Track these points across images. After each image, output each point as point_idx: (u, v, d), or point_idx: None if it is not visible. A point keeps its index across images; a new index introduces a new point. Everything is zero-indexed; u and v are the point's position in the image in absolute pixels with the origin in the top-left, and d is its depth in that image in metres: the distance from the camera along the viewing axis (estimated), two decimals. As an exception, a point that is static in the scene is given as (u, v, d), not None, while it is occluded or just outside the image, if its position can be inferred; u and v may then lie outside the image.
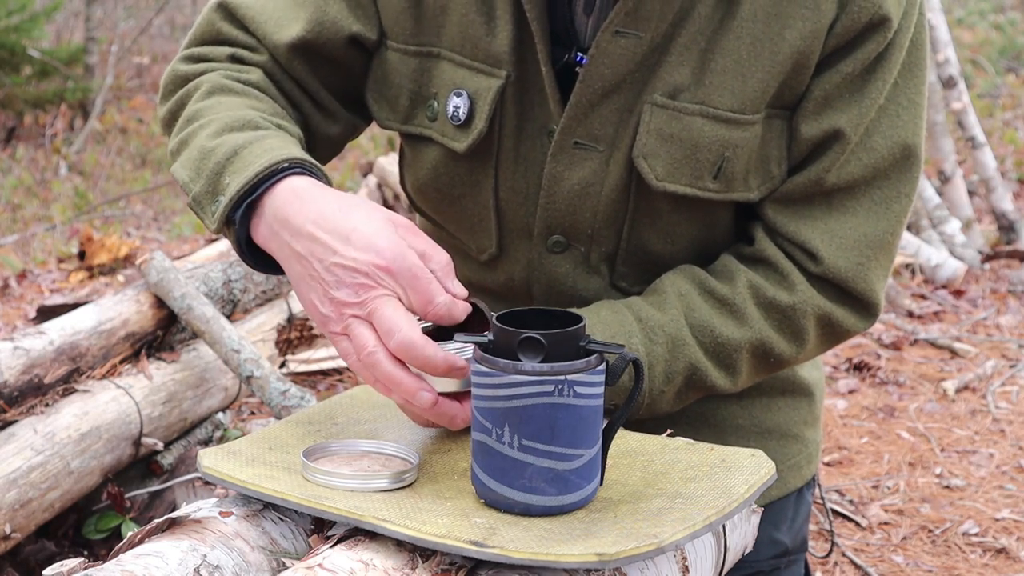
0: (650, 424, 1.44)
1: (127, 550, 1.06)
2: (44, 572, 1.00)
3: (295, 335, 3.04)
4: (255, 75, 1.47)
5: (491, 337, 1.13)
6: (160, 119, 1.51)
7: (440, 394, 1.22)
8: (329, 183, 1.29)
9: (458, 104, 1.45)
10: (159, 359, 2.50)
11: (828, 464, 3.12)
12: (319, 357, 3.36)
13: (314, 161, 1.29)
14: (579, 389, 1.10)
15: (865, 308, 1.47)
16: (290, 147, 1.30)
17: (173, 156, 1.41)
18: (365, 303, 1.17)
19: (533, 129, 1.45)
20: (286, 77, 1.50)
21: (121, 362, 2.43)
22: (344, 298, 1.18)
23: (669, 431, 1.38)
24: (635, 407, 1.17)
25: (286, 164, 1.26)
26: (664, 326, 1.40)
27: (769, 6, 1.37)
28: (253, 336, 2.86)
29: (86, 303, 2.49)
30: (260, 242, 1.27)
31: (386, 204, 5.20)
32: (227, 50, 1.50)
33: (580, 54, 1.41)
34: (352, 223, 1.19)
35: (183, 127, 1.41)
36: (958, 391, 3.60)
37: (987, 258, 5.04)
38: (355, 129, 1.57)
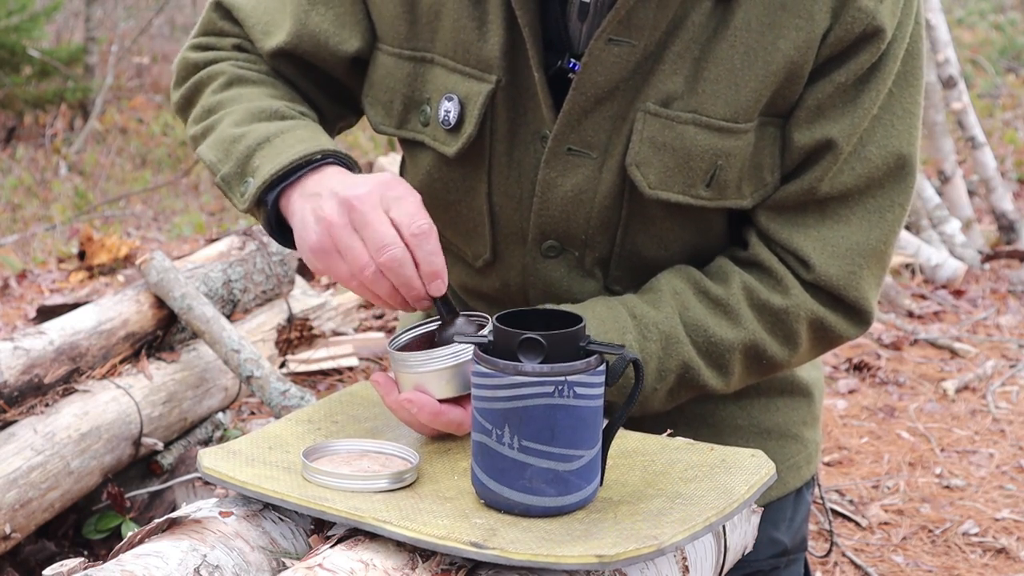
0: (649, 424, 1.44)
1: (127, 550, 1.06)
2: (44, 572, 1.00)
3: (295, 335, 3.05)
4: (265, 65, 1.54)
5: (491, 338, 1.13)
6: (174, 103, 1.58)
7: (442, 401, 1.23)
8: (360, 172, 1.37)
9: (449, 108, 1.45)
10: (159, 359, 2.50)
11: (828, 464, 3.12)
12: (319, 357, 3.36)
13: (345, 152, 1.37)
14: (579, 390, 1.10)
15: (857, 315, 1.47)
16: (321, 138, 1.38)
17: (196, 141, 1.49)
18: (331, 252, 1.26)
19: (526, 134, 1.45)
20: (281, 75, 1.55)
21: (121, 362, 2.43)
22: (331, 217, 1.25)
23: (669, 431, 1.38)
24: (633, 407, 1.18)
25: (319, 156, 1.34)
26: (658, 323, 1.40)
27: (763, 15, 1.37)
28: (253, 336, 2.86)
29: (86, 303, 2.49)
30: (285, 213, 1.35)
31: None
32: (231, 40, 1.57)
33: (573, 60, 1.41)
34: (358, 180, 1.28)
35: (204, 116, 1.48)
36: (958, 391, 3.60)
37: (987, 258, 5.04)
38: (342, 122, 1.62)
